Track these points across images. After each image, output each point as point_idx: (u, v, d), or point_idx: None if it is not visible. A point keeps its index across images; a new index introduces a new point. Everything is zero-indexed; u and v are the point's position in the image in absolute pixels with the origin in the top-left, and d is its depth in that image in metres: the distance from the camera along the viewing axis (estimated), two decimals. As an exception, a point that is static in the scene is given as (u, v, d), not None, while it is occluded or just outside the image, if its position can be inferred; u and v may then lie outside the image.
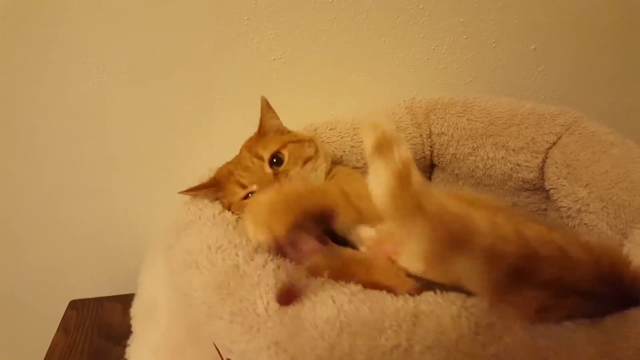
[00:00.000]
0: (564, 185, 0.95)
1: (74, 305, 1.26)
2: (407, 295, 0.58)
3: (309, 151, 0.88)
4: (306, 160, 0.86)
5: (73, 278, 1.33)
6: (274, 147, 0.86)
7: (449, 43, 1.23)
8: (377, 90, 1.25)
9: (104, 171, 1.23)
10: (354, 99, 1.25)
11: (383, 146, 0.50)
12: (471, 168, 1.08)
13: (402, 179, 0.48)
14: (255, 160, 0.85)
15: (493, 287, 0.50)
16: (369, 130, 0.51)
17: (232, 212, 0.82)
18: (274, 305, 0.59)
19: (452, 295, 0.57)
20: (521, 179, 1.03)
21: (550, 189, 0.99)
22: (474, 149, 1.06)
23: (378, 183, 0.49)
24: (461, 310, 0.55)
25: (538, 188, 1.04)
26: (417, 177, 0.48)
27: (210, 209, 0.81)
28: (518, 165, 1.02)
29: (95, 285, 1.34)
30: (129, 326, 1.07)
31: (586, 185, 0.90)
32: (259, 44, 1.16)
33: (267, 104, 0.92)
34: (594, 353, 0.53)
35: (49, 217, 1.26)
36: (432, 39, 1.22)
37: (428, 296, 0.57)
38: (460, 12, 1.19)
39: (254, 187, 0.82)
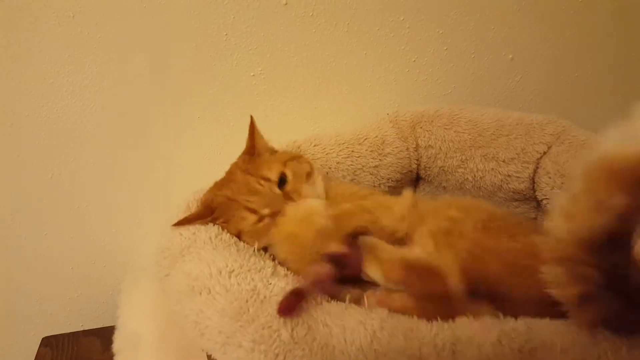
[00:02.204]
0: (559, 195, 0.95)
1: (47, 342, 1.17)
2: (441, 321, 0.56)
3: (306, 167, 0.86)
4: (307, 176, 0.83)
5: (44, 312, 1.24)
6: (278, 167, 0.82)
7: (429, 55, 1.23)
8: (359, 103, 1.24)
9: (77, 198, 1.16)
10: (336, 113, 1.23)
11: None
12: (460, 180, 1.07)
13: None
14: (263, 182, 0.80)
15: None
16: None
17: (242, 240, 0.77)
18: (301, 331, 0.56)
19: (488, 320, 0.55)
20: (512, 189, 1.03)
21: (543, 199, 0.99)
22: (462, 161, 1.05)
23: None
24: (501, 336, 0.53)
25: (528, 198, 1.04)
26: None
27: (204, 232, 0.77)
28: (509, 176, 1.02)
29: (69, 320, 1.26)
30: (111, 362, 1.01)
31: (583, 194, 0.90)
32: (238, 60, 1.13)
33: (254, 124, 0.88)
34: None
35: (17, 247, 1.17)
36: (413, 51, 1.21)
37: (463, 322, 0.55)
38: (440, 23, 1.20)
39: (266, 211, 0.78)
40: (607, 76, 1.38)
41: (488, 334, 0.53)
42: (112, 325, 1.08)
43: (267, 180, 0.81)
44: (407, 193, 0.83)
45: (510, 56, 1.28)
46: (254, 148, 0.88)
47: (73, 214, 1.17)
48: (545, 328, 0.55)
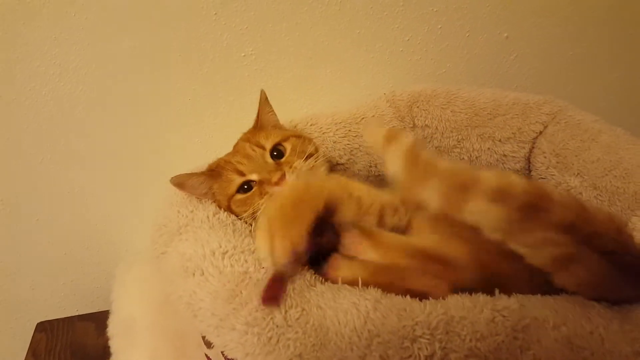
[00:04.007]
0: (553, 174, 0.94)
1: (42, 327, 1.17)
2: (434, 300, 0.55)
3: (310, 148, 0.85)
4: (308, 156, 0.83)
5: (38, 298, 1.24)
6: (276, 138, 0.83)
7: (424, 33, 1.21)
8: (352, 84, 1.22)
9: (68, 182, 1.15)
10: (329, 94, 1.21)
11: (391, 136, 0.55)
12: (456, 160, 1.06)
13: (412, 154, 0.53)
14: (256, 148, 0.82)
15: (506, 226, 0.50)
16: (375, 129, 0.56)
17: (229, 209, 0.78)
18: (294, 313, 0.55)
19: (481, 298, 0.55)
20: (507, 169, 1.02)
21: (539, 178, 0.98)
22: (459, 141, 1.04)
23: (394, 162, 0.53)
24: (494, 313, 0.53)
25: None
26: (424, 151, 0.53)
27: (202, 210, 0.76)
28: (504, 156, 1.01)
29: (63, 305, 1.25)
30: (106, 346, 1.02)
31: (577, 174, 0.90)
32: (228, 40, 1.11)
33: (266, 98, 0.90)
34: (630, 352, 0.52)
35: (9, 232, 1.16)
36: (407, 30, 1.19)
37: (456, 300, 0.55)
38: (434, 1, 1.17)
39: (254, 176, 0.78)
40: (602, 54, 1.36)
41: (481, 312, 0.53)
42: (107, 309, 1.08)
43: (261, 147, 0.82)
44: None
45: (505, 34, 1.26)
46: (260, 121, 0.89)
47: (65, 199, 1.16)
48: (537, 304, 0.55)
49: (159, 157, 1.17)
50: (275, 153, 0.82)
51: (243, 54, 1.13)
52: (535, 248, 0.51)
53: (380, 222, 0.70)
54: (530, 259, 0.52)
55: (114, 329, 1.02)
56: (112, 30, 1.04)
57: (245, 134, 0.90)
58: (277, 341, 0.54)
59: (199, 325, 0.62)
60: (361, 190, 0.71)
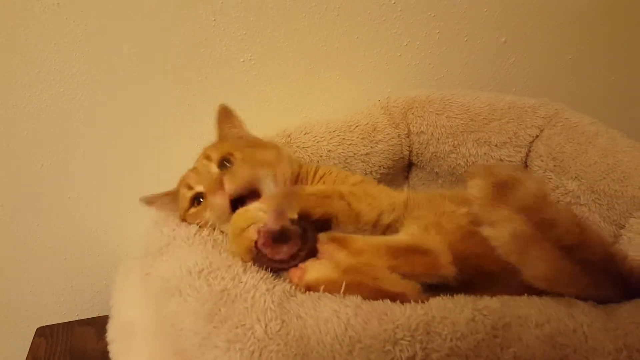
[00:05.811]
0: (551, 178, 0.94)
1: (42, 332, 1.17)
2: (414, 303, 0.56)
3: (267, 156, 0.83)
4: (261, 165, 0.80)
5: (38, 303, 1.24)
6: (226, 149, 0.82)
7: (422, 38, 1.21)
8: (351, 89, 1.22)
9: (68, 188, 1.16)
10: (328, 99, 1.22)
11: None
12: (452, 166, 1.06)
13: None
14: (204, 161, 0.82)
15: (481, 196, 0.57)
16: None
17: (185, 220, 0.80)
18: (274, 326, 0.55)
19: (462, 298, 0.56)
20: (504, 173, 1.02)
21: (536, 182, 0.98)
22: (455, 147, 1.04)
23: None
24: (475, 313, 0.53)
25: (521, 182, 1.03)
26: None
27: (184, 229, 0.78)
28: (501, 160, 1.02)
29: (63, 309, 1.26)
30: (105, 351, 1.01)
31: (575, 177, 0.90)
32: (227, 46, 1.11)
33: (225, 112, 0.90)
34: (612, 349, 0.52)
35: (9, 237, 1.17)
36: (405, 35, 1.20)
37: (437, 301, 0.55)
38: (432, 6, 1.18)
39: (200, 188, 0.79)
40: (601, 58, 1.36)
41: (461, 312, 0.53)
42: (107, 314, 1.08)
43: (208, 158, 0.82)
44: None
45: (503, 39, 1.26)
46: (219, 136, 0.90)
47: (65, 204, 1.17)
48: (520, 303, 0.56)
49: (158, 162, 1.18)
50: (226, 163, 0.80)
51: (242, 60, 1.14)
52: (498, 226, 0.56)
53: (377, 224, 0.72)
54: (494, 240, 0.56)
55: (113, 334, 1.02)
56: (111, 37, 1.05)
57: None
58: (260, 355, 0.54)
59: (183, 344, 0.61)
60: (361, 203, 0.73)
